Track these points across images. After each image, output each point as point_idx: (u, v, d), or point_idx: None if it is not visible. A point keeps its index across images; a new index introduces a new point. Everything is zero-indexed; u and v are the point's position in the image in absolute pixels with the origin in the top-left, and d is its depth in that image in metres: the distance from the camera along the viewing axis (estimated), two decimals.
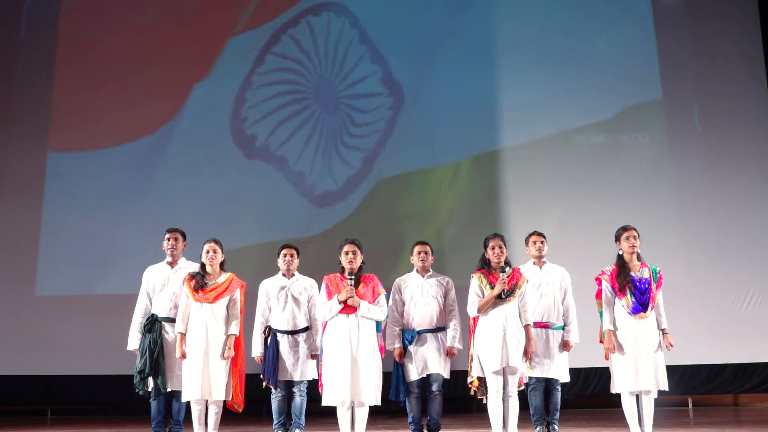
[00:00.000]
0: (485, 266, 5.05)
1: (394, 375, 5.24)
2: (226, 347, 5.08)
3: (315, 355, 5.31)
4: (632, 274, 5.00)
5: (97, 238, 8.32)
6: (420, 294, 5.29)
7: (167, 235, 5.53)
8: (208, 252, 5.22)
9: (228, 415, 5.27)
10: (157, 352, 5.23)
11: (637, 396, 4.93)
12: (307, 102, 8.59)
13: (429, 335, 5.23)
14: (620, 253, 5.08)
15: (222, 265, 5.28)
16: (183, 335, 5.11)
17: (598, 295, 5.10)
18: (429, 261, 5.39)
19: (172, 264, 5.50)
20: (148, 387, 5.25)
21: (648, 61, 8.35)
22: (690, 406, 7.70)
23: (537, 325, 5.18)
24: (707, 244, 7.92)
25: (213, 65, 8.74)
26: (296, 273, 5.52)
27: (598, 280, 5.11)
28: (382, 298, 4.99)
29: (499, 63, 8.51)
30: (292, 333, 5.35)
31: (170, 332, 5.29)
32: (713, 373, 7.75)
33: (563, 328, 5.26)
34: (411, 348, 5.22)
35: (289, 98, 8.61)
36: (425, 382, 5.23)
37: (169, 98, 8.71)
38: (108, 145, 8.61)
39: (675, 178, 8.13)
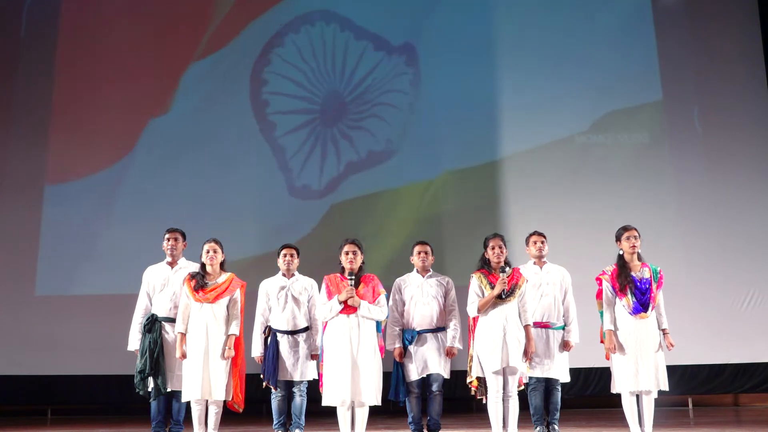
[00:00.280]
0: (485, 266, 5.05)
1: (394, 375, 5.24)
2: (227, 347, 5.08)
3: (315, 355, 5.31)
4: (633, 274, 5.00)
5: (97, 238, 8.31)
6: (420, 294, 5.29)
7: (167, 235, 5.53)
8: (208, 252, 5.21)
9: (228, 415, 5.26)
10: (157, 352, 5.23)
11: (638, 396, 4.93)
12: (315, 114, 8.59)
13: (429, 335, 5.23)
14: (621, 253, 5.08)
15: (222, 265, 5.28)
16: (183, 335, 5.11)
17: (599, 295, 5.10)
18: (429, 261, 5.39)
19: (172, 264, 5.50)
20: (148, 387, 5.25)
21: (648, 62, 8.35)
22: (690, 406, 7.70)
23: (537, 325, 5.18)
24: (707, 244, 7.93)
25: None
26: (296, 273, 5.52)
27: (599, 280, 5.11)
28: (382, 298, 4.99)
29: (499, 64, 8.51)
30: (292, 333, 5.35)
31: (170, 332, 5.28)
32: (713, 373, 7.75)
33: (563, 328, 5.26)
34: (411, 348, 5.22)
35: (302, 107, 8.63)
36: (425, 382, 5.23)
37: (169, 99, 8.72)
38: (108, 144, 8.60)
39: (675, 178, 8.13)
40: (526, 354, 4.92)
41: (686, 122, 8.27)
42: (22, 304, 8.20)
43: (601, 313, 5.08)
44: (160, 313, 5.35)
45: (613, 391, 5.04)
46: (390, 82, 8.57)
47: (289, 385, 5.34)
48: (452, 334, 5.23)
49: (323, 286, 5.05)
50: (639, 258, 5.07)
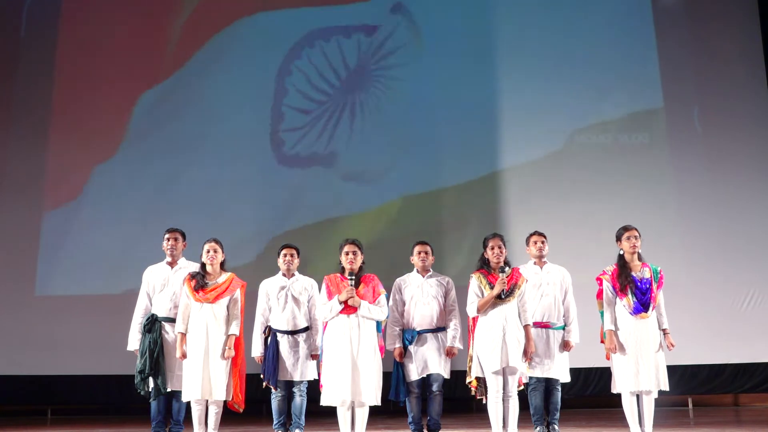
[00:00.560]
0: (484, 266, 5.05)
1: (394, 375, 5.24)
2: (227, 347, 5.08)
3: (315, 355, 5.31)
4: (633, 274, 5.00)
5: (98, 238, 8.31)
6: (420, 294, 5.29)
7: (167, 235, 5.53)
8: (208, 252, 5.21)
9: (228, 415, 5.26)
10: (157, 352, 5.23)
11: (638, 396, 4.93)
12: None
13: (429, 335, 5.23)
14: (621, 253, 5.08)
15: (222, 265, 5.28)
16: (183, 335, 5.11)
17: (599, 295, 5.10)
18: (429, 261, 5.39)
19: (172, 264, 5.49)
20: (148, 387, 5.25)
21: (648, 62, 8.35)
22: (690, 406, 7.70)
23: (537, 325, 5.18)
24: (707, 244, 7.92)
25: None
26: (296, 273, 5.52)
27: (599, 280, 5.11)
28: (382, 298, 4.99)
29: (499, 64, 8.51)
30: (292, 333, 5.35)
31: (170, 332, 5.28)
32: (713, 373, 7.75)
33: (564, 328, 5.26)
34: (411, 348, 5.22)
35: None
36: (425, 382, 5.23)
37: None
38: (107, 144, 8.60)
39: (675, 178, 8.13)
40: (526, 354, 4.91)
41: (686, 122, 8.27)
42: (22, 304, 8.20)
43: (602, 313, 5.08)
44: (160, 313, 5.35)
45: (614, 391, 5.04)
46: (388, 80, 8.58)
47: (289, 385, 5.34)
48: (452, 334, 5.23)
49: (323, 286, 5.05)
50: (639, 258, 5.07)
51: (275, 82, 8.67)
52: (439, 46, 8.60)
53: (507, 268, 4.93)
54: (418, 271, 5.40)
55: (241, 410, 5.22)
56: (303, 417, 5.35)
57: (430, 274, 5.38)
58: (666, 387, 4.89)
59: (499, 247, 5.00)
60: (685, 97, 8.32)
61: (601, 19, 8.55)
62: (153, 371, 5.21)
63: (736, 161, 8.14)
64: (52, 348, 8.01)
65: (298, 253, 5.54)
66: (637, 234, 5.05)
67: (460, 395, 6.91)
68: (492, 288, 4.90)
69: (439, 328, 5.26)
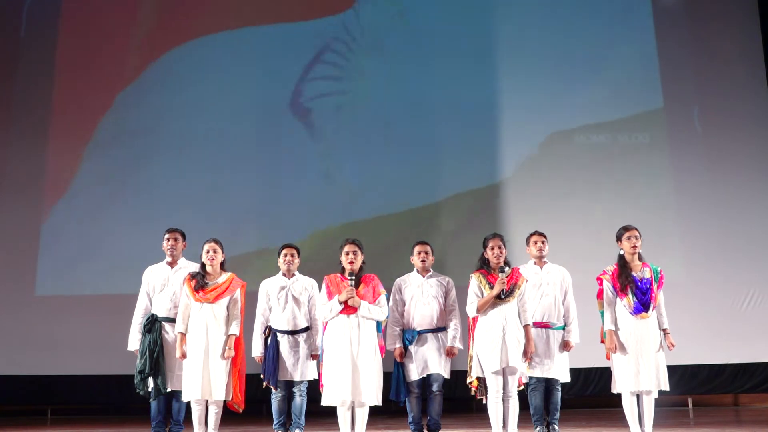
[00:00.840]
0: (484, 266, 5.05)
1: (394, 375, 5.24)
2: (227, 347, 5.08)
3: (315, 356, 5.31)
4: (633, 274, 5.00)
5: (97, 238, 8.30)
6: (420, 294, 5.29)
7: (167, 236, 5.52)
8: (208, 252, 5.21)
9: (228, 415, 5.26)
10: (157, 352, 5.23)
11: (638, 396, 4.93)
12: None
13: (429, 335, 5.23)
14: (621, 253, 5.08)
15: (222, 265, 5.28)
16: (183, 335, 5.11)
17: (599, 295, 5.10)
18: (429, 261, 5.39)
19: (171, 264, 5.49)
20: (148, 387, 5.25)
21: (648, 62, 8.35)
22: (690, 406, 7.70)
23: (537, 325, 5.18)
24: (707, 244, 7.93)
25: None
26: (296, 273, 5.52)
27: (600, 280, 5.11)
28: (382, 298, 4.99)
29: (499, 64, 8.51)
30: (293, 333, 5.35)
31: (170, 332, 5.28)
32: (713, 373, 7.75)
33: (564, 328, 5.26)
34: (411, 348, 5.22)
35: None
36: (425, 382, 5.23)
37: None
38: (107, 145, 8.60)
39: (675, 178, 8.13)
40: (526, 354, 4.92)
41: (686, 122, 8.27)
42: (22, 304, 8.20)
43: (602, 313, 5.08)
44: (160, 313, 5.35)
45: (614, 391, 5.04)
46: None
47: (289, 385, 5.34)
48: (452, 334, 5.23)
49: (323, 286, 5.05)
50: (640, 258, 5.07)
51: (281, 85, 8.65)
52: (439, 46, 8.60)
53: (507, 268, 4.93)
54: (418, 271, 5.40)
55: (241, 410, 5.22)
56: (303, 417, 5.36)
57: (430, 274, 5.38)
58: (666, 387, 4.89)
59: (499, 247, 5.00)
60: (685, 97, 8.32)
61: (601, 19, 8.55)
62: (153, 371, 5.21)
63: (736, 161, 8.14)
64: (52, 348, 8.00)
65: (299, 253, 5.55)
66: (637, 234, 5.05)
67: (460, 395, 6.91)
68: (492, 288, 4.90)
69: (440, 328, 5.26)
